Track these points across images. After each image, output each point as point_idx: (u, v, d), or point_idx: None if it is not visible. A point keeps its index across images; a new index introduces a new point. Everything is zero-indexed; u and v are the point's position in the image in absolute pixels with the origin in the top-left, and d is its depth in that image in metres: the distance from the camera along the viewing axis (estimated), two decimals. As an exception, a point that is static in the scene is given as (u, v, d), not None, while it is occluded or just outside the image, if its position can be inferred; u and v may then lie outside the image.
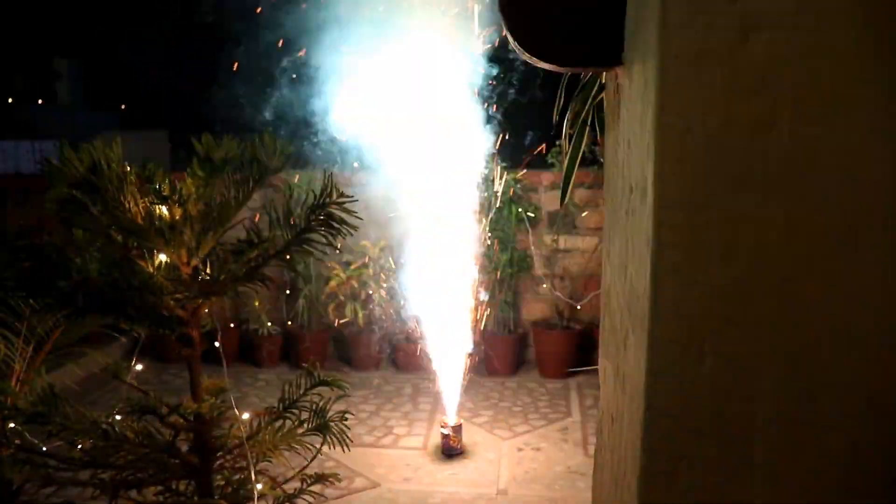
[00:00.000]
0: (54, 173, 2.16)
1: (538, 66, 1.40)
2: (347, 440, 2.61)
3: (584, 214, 6.01)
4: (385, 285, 5.83)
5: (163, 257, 2.32)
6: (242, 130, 2.34)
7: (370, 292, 5.85)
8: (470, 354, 4.95)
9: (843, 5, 1.02)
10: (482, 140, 4.78)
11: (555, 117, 2.35)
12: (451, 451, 4.44)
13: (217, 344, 2.46)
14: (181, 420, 2.45)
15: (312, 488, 2.69)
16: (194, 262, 2.35)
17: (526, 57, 1.38)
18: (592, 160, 5.24)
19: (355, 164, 5.47)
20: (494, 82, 4.94)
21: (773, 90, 1.03)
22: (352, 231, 2.37)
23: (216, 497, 2.49)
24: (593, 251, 5.97)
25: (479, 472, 4.24)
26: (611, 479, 1.48)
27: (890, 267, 1.06)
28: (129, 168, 2.22)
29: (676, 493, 1.16)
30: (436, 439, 4.62)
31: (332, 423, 2.60)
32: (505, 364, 5.90)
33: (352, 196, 2.36)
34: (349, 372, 5.99)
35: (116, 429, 2.39)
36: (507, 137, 5.30)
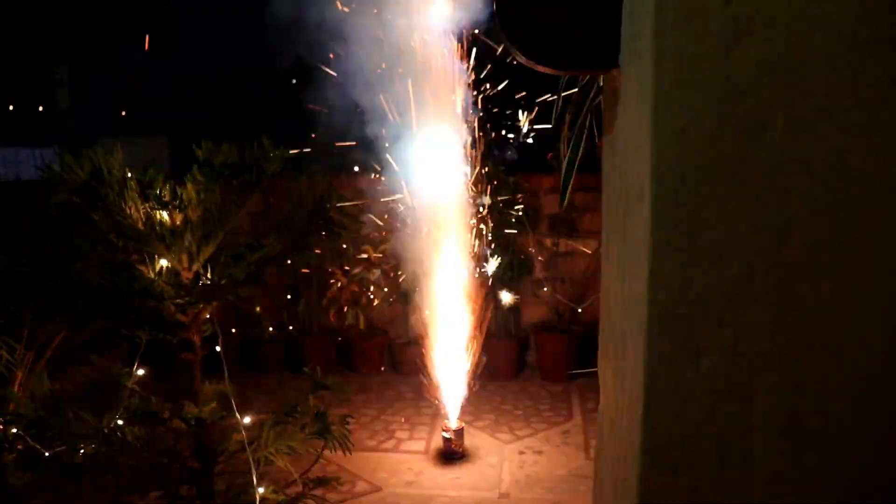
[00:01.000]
0: (55, 179, 2.17)
1: (535, 69, 1.41)
2: (349, 444, 2.62)
3: (583, 217, 6.02)
4: (386, 289, 5.83)
5: (163, 262, 2.32)
6: (242, 135, 2.35)
7: (371, 296, 5.86)
8: (471, 358, 4.95)
9: (835, 8, 1.02)
10: (482, 144, 4.80)
11: (553, 121, 2.36)
12: (452, 454, 4.44)
13: (218, 349, 2.47)
14: (182, 425, 2.45)
15: (315, 492, 2.70)
16: (195, 266, 2.36)
17: (524, 61, 1.39)
18: (592, 163, 5.24)
19: (356, 168, 5.49)
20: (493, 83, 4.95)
21: (767, 92, 1.04)
22: (352, 235, 2.38)
23: (218, 501, 2.49)
24: (593, 254, 5.97)
25: (481, 476, 4.24)
26: (611, 481, 1.48)
27: (883, 265, 1.07)
28: (129, 174, 2.23)
29: (676, 493, 1.17)
30: (437, 443, 4.61)
31: (333, 427, 2.61)
32: (506, 367, 5.90)
33: (352, 200, 2.37)
34: (351, 376, 5.99)
35: (118, 434, 2.40)
36: (507, 140, 5.31)
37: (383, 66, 4.35)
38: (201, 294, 2.34)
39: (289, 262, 2.40)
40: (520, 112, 5.35)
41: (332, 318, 5.91)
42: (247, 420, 2.57)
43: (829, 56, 1.03)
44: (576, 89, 2.04)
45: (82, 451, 2.40)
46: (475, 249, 5.12)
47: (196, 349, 2.45)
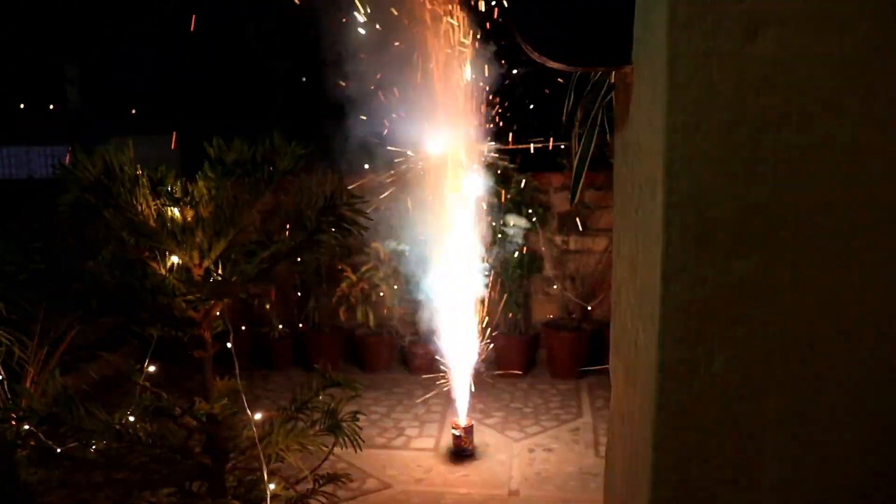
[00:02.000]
0: (67, 177, 2.18)
1: (548, 65, 1.41)
2: (359, 441, 2.62)
3: (594, 215, 6.01)
4: (396, 287, 5.84)
5: (175, 259, 2.33)
6: (254, 133, 2.35)
7: (381, 294, 5.86)
8: (481, 356, 4.95)
9: (847, 5, 1.02)
10: (492, 141, 4.79)
11: (564, 118, 2.35)
12: (462, 452, 4.45)
13: (229, 345, 2.47)
14: (194, 421, 2.46)
15: (325, 489, 2.70)
16: (206, 263, 2.37)
17: (535, 56, 1.39)
18: (602, 161, 5.23)
19: (366, 167, 5.49)
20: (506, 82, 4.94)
21: (781, 88, 1.03)
22: (362, 232, 2.38)
23: (229, 497, 2.50)
24: (604, 252, 5.96)
25: (491, 474, 4.24)
26: (622, 478, 1.48)
27: (900, 263, 1.06)
28: (140, 171, 2.24)
29: (687, 490, 1.16)
30: (447, 441, 4.62)
31: (343, 424, 2.61)
32: (516, 365, 5.90)
33: (362, 197, 2.37)
34: (360, 374, 6.00)
35: (130, 430, 2.41)
36: (517, 138, 5.30)
37: (395, 51, 4.35)
38: (212, 290, 2.35)
39: (299, 259, 2.39)
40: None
41: (341, 315, 5.92)
42: (257, 416, 2.57)
43: (844, 50, 1.02)
44: (588, 86, 2.04)
45: (94, 447, 2.42)
46: (486, 247, 5.12)
47: (207, 346, 2.45)
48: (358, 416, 2.66)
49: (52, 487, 2.50)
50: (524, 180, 5.75)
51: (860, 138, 1.04)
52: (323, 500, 2.70)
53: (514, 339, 5.92)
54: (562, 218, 6.11)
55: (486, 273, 5.10)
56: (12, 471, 2.54)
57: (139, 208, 2.22)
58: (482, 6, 4.33)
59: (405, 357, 6.12)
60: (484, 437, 4.73)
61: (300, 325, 6.20)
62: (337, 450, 2.67)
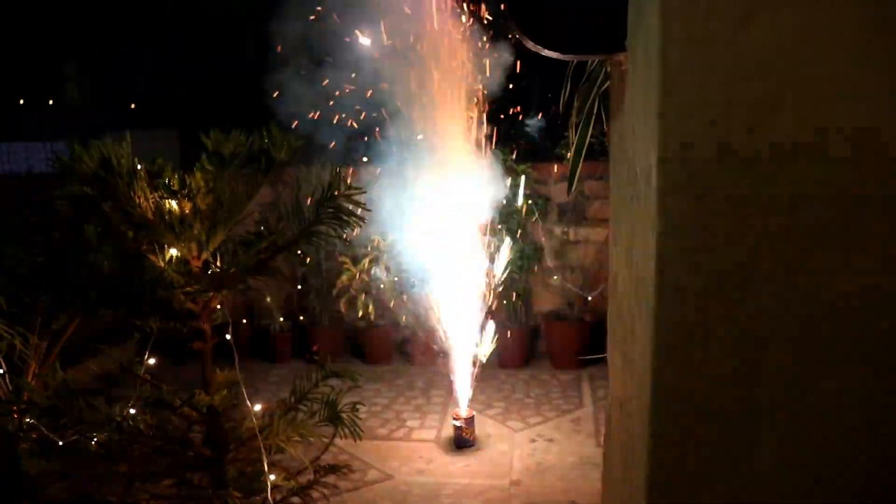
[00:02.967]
0: (66, 170, 2.18)
1: (542, 53, 1.41)
2: (359, 430, 2.63)
3: (593, 205, 6.01)
4: (396, 279, 5.84)
5: (173, 251, 2.34)
6: (253, 126, 2.35)
7: (381, 286, 5.86)
8: (481, 346, 4.95)
9: (842, -14, 1.02)
10: (490, 131, 4.78)
11: (561, 108, 2.35)
12: (463, 443, 4.45)
13: (228, 337, 2.48)
14: (194, 413, 2.47)
15: (326, 479, 2.71)
16: (204, 255, 2.37)
17: (530, 45, 1.39)
18: (602, 151, 5.23)
19: (365, 158, 5.49)
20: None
21: (776, 73, 1.03)
22: (361, 224, 2.39)
23: (230, 489, 2.51)
24: (604, 242, 5.96)
25: (492, 464, 4.25)
26: (620, 464, 1.49)
27: (892, 246, 1.06)
28: (138, 164, 2.24)
29: (685, 476, 1.17)
30: (448, 431, 4.63)
31: (343, 414, 2.62)
32: (517, 356, 5.90)
33: (361, 188, 2.37)
34: (361, 366, 6.01)
35: (131, 422, 2.42)
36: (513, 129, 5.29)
37: (392, 45, 4.34)
38: (211, 282, 2.35)
39: (298, 252, 2.39)
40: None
41: (342, 308, 5.93)
42: (258, 408, 2.58)
43: (837, 37, 1.02)
44: (584, 76, 2.04)
45: (95, 439, 2.43)
46: (485, 238, 5.12)
47: (206, 338, 2.46)
48: (358, 406, 2.67)
49: (54, 479, 2.51)
50: (522, 171, 5.74)
51: (857, 122, 1.04)
52: (325, 490, 2.71)
53: (515, 330, 5.92)
54: (561, 209, 6.10)
55: (487, 264, 5.09)
56: (14, 463, 2.55)
57: (137, 201, 2.22)
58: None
59: (406, 348, 6.13)
60: (485, 427, 4.74)
61: (300, 318, 6.21)
62: (339, 441, 2.68)
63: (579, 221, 6.07)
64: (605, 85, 1.94)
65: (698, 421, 1.15)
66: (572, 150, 2.11)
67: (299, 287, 6.21)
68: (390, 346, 6.16)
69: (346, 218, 2.37)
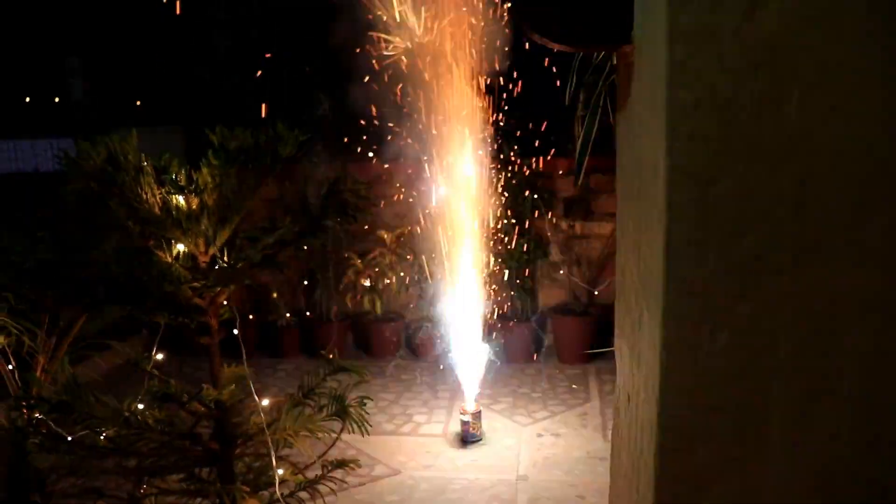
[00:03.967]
0: (72, 166, 2.18)
1: (548, 46, 1.40)
2: (367, 425, 2.63)
3: (600, 199, 6.00)
4: (402, 274, 5.84)
5: (180, 247, 2.34)
6: (258, 122, 2.35)
7: (387, 281, 5.87)
8: (488, 341, 4.96)
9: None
10: (498, 127, 4.77)
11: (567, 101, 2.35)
12: (470, 437, 4.46)
13: (236, 332, 2.48)
14: (202, 408, 2.48)
15: (334, 474, 2.72)
16: (211, 250, 2.38)
17: (536, 38, 1.38)
18: (608, 145, 5.21)
19: (370, 154, 5.49)
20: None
21: (783, 63, 1.03)
22: (367, 218, 2.39)
23: (238, 483, 2.52)
24: (610, 236, 5.94)
25: (499, 459, 4.25)
26: (628, 458, 1.48)
27: (902, 237, 1.06)
28: (144, 160, 2.25)
29: (693, 468, 1.17)
30: (455, 426, 4.63)
31: (351, 409, 2.62)
32: (523, 350, 5.90)
33: (366, 183, 2.37)
34: (369, 361, 6.02)
35: (139, 417, 2.42)
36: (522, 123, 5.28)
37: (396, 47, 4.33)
38: (218, 277, 2.36)
39: (305, 247, 2.39)
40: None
41: (348, 303, 5.94)
42: (265, 402, 2.59)
43: (844, 28, 1.02)
44: (590, 68, 2.03)
45: (104, 434, 2.43)
46: (491, 232, 5.11)
47: (213, 333, 2.46)
48: (365, 401, 2.67)
49: (63, 474, 2.52)
50: (527, 166, 5.73)
51: (864, 112, 1.03)
52: (332, 485, 2.71)
53: (522, 325, 5.92)
54: (567, 203, 6.09)
55: (493, 258, 5.10)
56: (24, 458, 2.56)
57: (144, 197, 2.23)
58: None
59: (413, 343, 6.14)
60: (492, 422, 4.74)
61: (307, 314, 6.22)
62: (346, 436, 2.68)
63: (585, 215, 6.06)
64: (612, 77, 1.93)
65: (707, 414, 1.14)
66: (578, 142, 2.10)
67: (306, 282, 6.21)
68: (397, 341, 6.17)
69: (351, 213, 2.37)
